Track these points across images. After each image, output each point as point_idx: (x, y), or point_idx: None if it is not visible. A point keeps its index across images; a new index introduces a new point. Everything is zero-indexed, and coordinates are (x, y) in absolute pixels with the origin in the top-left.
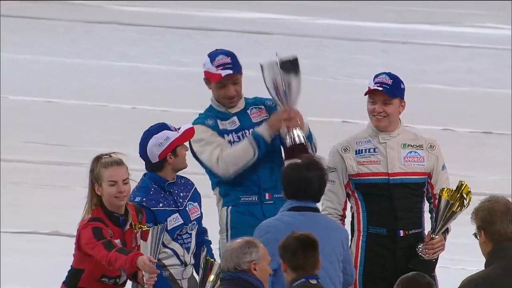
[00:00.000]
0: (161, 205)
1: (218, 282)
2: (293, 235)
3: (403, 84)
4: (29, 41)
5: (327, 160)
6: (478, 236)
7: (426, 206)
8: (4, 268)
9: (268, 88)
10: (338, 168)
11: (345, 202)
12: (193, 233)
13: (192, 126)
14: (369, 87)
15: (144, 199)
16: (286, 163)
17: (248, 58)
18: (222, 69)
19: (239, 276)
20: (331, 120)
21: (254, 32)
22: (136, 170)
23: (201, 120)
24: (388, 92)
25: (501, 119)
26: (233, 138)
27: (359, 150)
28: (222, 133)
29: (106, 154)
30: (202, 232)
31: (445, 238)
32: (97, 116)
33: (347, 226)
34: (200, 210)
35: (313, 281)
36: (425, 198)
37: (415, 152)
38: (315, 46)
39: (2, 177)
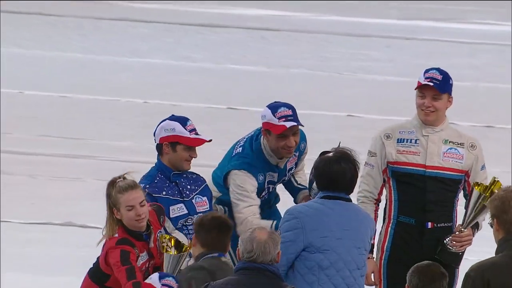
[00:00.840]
0: (164, 193)
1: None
2: (211, 215)
3: (451, 80)
4: (42, 37)
5: (370, 144)
6: (492, 225)
7: (462, 202)
8: (19, 257)
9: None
10: (378, 153)
11: (382, 187)
12: None
13: (204, 139)
14: (419, 82)
15: (148, 186)
16: (319, 157)
17: (255, 53)
18: (284, 121)
19: (261, 267)
20: (337, 114)
21: (261, 28)
22: (147, 162)
23: (255, 171)
24: (438, 87)
25: (502, 113)
26: (266, 191)
27: (401, 139)
28: (262, 188)
29: (119, 177)
30: None
31: (473, 234)
32: (109, 110)
33: (381, 211)
34: (210, 205)
35: (224, 258)
36: (462, 195)
37: (455, 149)
38: (320, 42)
39: (18, 169)
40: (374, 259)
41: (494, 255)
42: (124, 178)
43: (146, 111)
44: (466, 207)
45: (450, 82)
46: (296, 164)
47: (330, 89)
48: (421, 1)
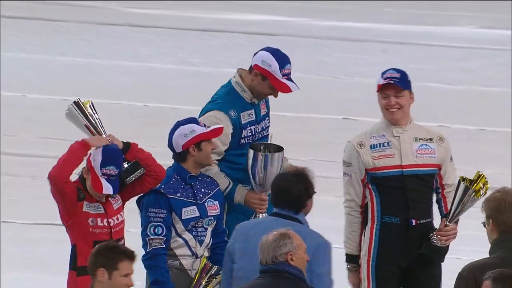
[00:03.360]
0: (178, 195)
1: (211, 283)
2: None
3: (409, 77)
4: (46, 42)
5: (344, 155)
6: (486, 225)
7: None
8: (20, 258)
9: (248, 170)
10: (353, 163)
11: (363, 194)
12: (209, 228)
13: (221, 126)
14: (378, 84)
15: (163, 186)
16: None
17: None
18: (286, 79)
19: (279, 268)
20: (333, 117)
21: (259, 33)
22: None
23: (224, 107)
24: (399, 84)
25: (494, 115)
26: (247, 133)
27: (373, 145)
28: (242, 128)
29: None
30: (221, 232)
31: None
32: (111, 113)
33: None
34: (221, 209)
35: None
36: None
37: (426, 145)
38: (317, 47)
39: (20, 171)
40: (361, 268)
41: (486, 256)
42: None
43: (146, 113)
44: (440, 201)
45: (409, 79)
46: (268, 115)
47: (327, 92)
48: (415, 6)
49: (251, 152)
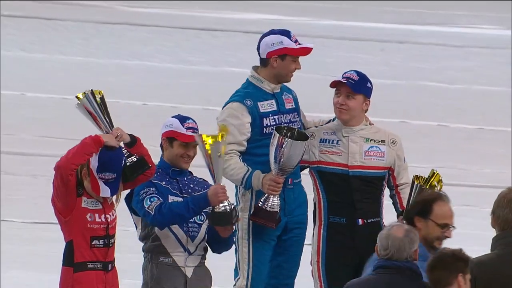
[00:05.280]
0: (164, 183)
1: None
2: None
3: (370, 84)
4: (45, 40)
5: None
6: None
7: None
8: (21, 256)
9: (270, 151)
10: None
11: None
12: (203, 225)
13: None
14: (333, 80)
15: None
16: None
17: (253, 56)
18: (299, 44)
19: (401, 265)
20: (332, 116)
21: (258, 32)
22: None
23: (239, 98)
24: (352, 86)
25: (493, 115)
26: (269, 122)
27: (323, 139)
28: (262, 116)
29: None
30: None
31: None
32: (110, 111)
33: (310, 215)
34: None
35: None
36: (387, 186)
37: (377, 147)
38: (316, 46)
39: (20, 170)
40: (312, 270)
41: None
42: None
43: (145, 112)
44: (394, 197)
45: (368, 85)
46: (297, 111)
47: (326, 91)
48: (414, 6)
49: (276, 135)
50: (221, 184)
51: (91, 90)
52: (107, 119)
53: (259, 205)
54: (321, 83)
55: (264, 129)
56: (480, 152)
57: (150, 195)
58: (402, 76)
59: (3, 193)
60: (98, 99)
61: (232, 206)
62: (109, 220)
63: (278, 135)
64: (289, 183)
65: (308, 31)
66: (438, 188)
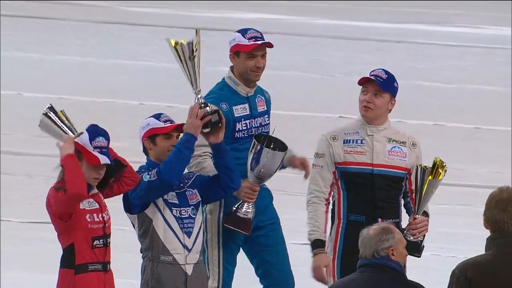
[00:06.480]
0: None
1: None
2: None
3: (397, 83)
4: (42, 40)
5: (316, 147)
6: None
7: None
8: (19, 256)
9: (248, 158)
10: (326, 154)
11: (331, 187)
12: (197, 220)
13: (177, 124)
14: (362, 77)
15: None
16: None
17: None
18: (254, 41)
19: (381, 263)
20: (329, 116)
21: None
22: (143, 163)
23: (214, 100)
24: (381, 84)
25: (490, 114)
26: (241, 126)
27: (347, 140)
28: (235, 120)
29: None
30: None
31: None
32: (106, 111)
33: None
34: (200, 196)
35: None
36: (402, 193)
37: (399, 147)
38: (313, 45)
39: (16, 170)
40: (327, 254)
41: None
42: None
43: (142, 112)
44: (409, 204)
45: (395, 85)
46: (268, 113)
47: (323, 91)
48: (411, 5)
49: (255, 144)
50: (198, 89)
51: (50, 105)
52: (74, 131)
53: (233, 211)
54: (317, 82)
55: (236, 133)
56: (477, 152)
57: (144, 174)
58: (398, 75)
59: (1, 193)
60: (62, 116)
61: (214, 109)
62: (105, 219)
63: (257, 144)
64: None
65: (304, 30)
66: (443, 173)
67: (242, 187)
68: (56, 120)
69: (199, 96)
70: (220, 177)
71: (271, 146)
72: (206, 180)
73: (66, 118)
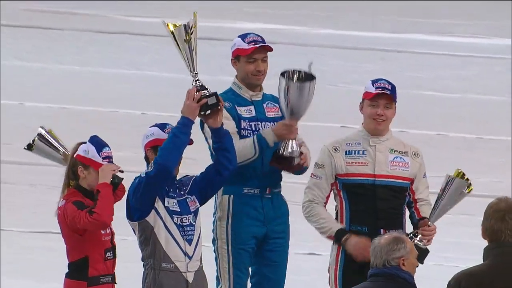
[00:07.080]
0: None
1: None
2: None
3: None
4: (42, 50)
5: (317, 157)
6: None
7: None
8: (20, 265)
9: (279, 97)
10: (326, 165)
11: (328, 197)
12: (197, 227)
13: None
14: (370, 92)
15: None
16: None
17: None
18: (253, 45)
19: (392, 273)
20: (331, 125)
21: None
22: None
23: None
24: (392, 96)
25: (491, 124)
26: (246, 125)
27: (349, 151)
28: (240, 118)
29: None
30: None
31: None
32: (108, 121)
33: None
34: (199, 202)
35: None
36: (406, 203)
37: (401, 158)
38: (315, 55)
39: (19, 179)
40: (328, 277)
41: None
42: None
43: (144, 121)
44: (413, 214)
45: (397, 92)
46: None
47: (324, 100)
48: (412, 15)
49: (283, 80)
50: (195, 72)
51: (40, 128)
52: (66, 151)
53: (277, 151)
54: (319, 92)
55: (242, 131)
56: (478, 161)
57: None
58: (399, 85)
59: (2, 202)
60: (54, 136)
61: (211, 92)
62: (112, 230)
63: (283, 78)
64: (267, 192)
65: (306, 40)
66: (471, 187)
67: (278, 129)
68: (51, 141)
69: (196, 79)
70: (217, 160)
71: (297, 78)
72: (200, 176)
73: (56, 138)
